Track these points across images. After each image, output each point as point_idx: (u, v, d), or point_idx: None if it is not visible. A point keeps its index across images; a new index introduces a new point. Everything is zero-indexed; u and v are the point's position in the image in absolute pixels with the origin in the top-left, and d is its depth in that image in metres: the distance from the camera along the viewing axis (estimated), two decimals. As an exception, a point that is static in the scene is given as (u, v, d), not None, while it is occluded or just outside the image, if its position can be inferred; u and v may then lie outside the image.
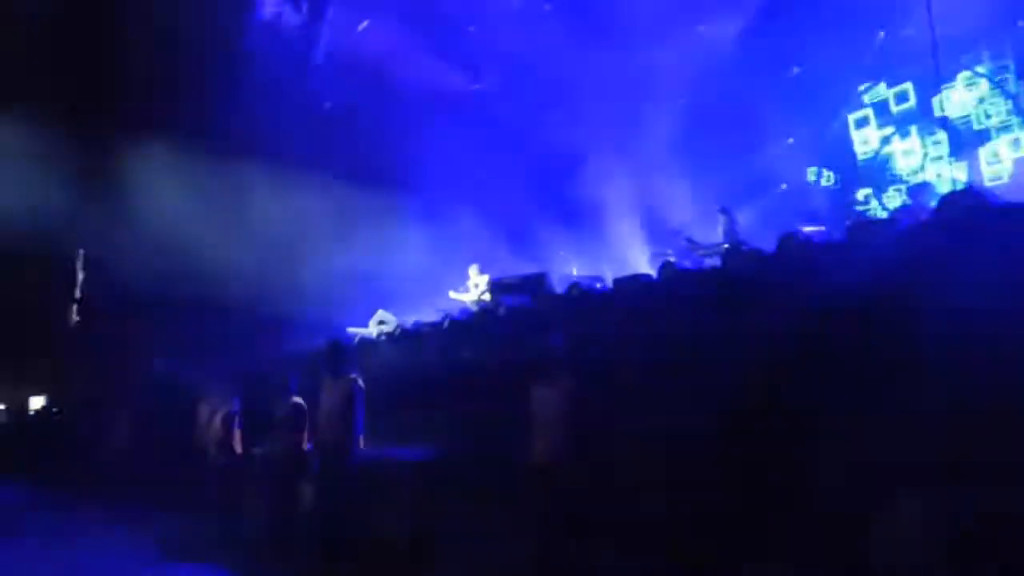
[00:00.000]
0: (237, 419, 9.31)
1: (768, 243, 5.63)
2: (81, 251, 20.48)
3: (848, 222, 6.71)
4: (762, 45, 13.55)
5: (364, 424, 6.87)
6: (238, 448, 9.22)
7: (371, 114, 15.75)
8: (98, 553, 8.16)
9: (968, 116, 11.71)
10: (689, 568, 4.83)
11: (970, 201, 4.42)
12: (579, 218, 15.01)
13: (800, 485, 4.47)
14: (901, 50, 12.24)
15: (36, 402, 22.24)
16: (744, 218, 12.22)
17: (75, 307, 21.28)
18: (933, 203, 5.87)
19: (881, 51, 12.90)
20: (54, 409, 20.60)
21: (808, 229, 7.74)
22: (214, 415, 9.44)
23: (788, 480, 4.56)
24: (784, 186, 14.17)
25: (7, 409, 23.30)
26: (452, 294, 11.59)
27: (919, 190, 10.94)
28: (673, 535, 5.00)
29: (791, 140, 14.36)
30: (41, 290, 21.08)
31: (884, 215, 11.80)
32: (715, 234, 11.50)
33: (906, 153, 12.62)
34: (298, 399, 8.15)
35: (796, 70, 14.22)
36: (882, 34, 12.87)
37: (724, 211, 11.61)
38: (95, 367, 19.01)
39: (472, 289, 11.47)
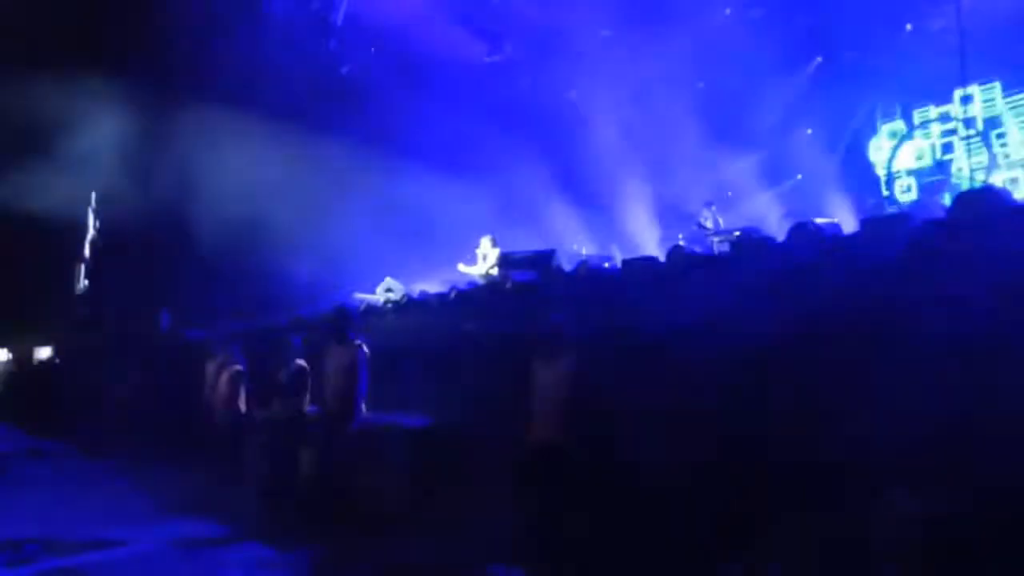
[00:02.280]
0: (243, 379, 9.38)
1: (781, 233, 5.62)
2: (93, 194, 20.52)
3: (862, 216, 6.68)
4: (786, 32, 13.40)
5: (367, 390, 6.92)
6: (243, 408, 9.30)
7: (387, 81, 15.68)
8: (95, 505, 8.27)
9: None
10: (684, 550, 4.87)
11: (986, 200, 4.38)
12: (591, 196, 14.98)
13: (797, 475, 4.50)
14: (929, 44, 12.07)
15: (41, 352, 22.45)
16: (758, 207, 12.20)
17: (82, 267, 21.39)
18: (947, 200, 5.84)
19: (907, 44, 12.72)
20: (58, 359, 20.80)
21: (821, 221, 7.70)
22: (220, 374, 9.52)
23: (786, 468, 4.58)
24: (800, 176, 14.08)
25: (13, 358, 23.54)
26: (461, 267, 11.57)
27: (934, 187, 10.86)
28: (668, 517, 5.03)
29: (809, 131, 14.25)
30: (53, 244, 21.23)
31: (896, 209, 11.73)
32: (718, 224, 11.51)
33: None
34: (301, 362, 8.21)
35: (818, 59, 14.07)
36: (909, 27, 12.70)
37: (708, 205, 11.73)
38: (101, 319, 19.18)
39: (480, 261, 11.45)
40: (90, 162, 17.16)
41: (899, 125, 12.96)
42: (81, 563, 5.83)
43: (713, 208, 11.73)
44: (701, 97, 15.19)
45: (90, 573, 5.58)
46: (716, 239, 10.93)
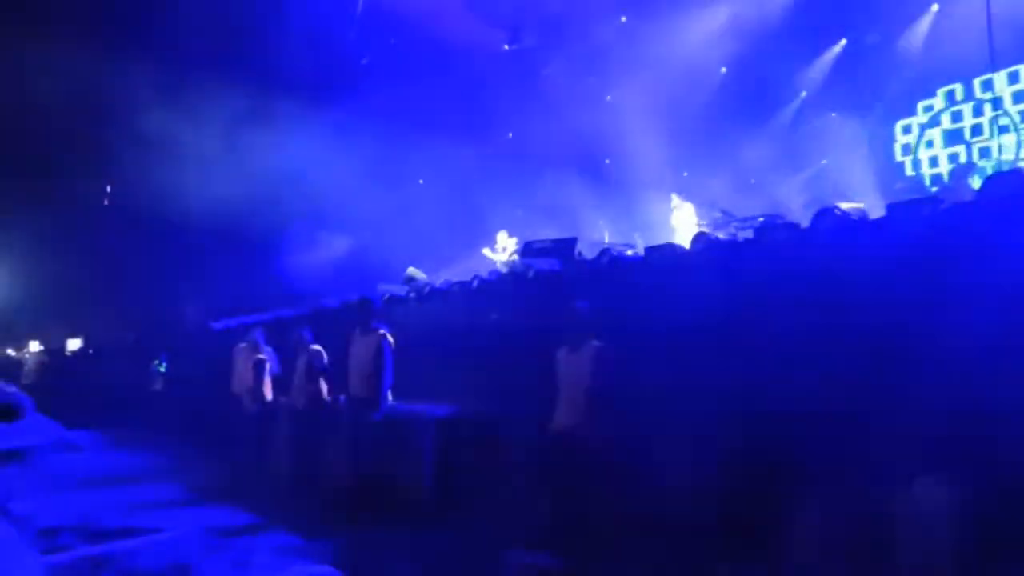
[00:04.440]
0: (267, 368, 9.49)
1: (806, 219, 5.57)
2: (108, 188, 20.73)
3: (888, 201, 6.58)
4: (809, 15, 13.24)
5: (392, 379, 6.97)
6: (268, 396, 9.41)
7: (407, 71, 15.70)
8: (128, 493, 8.39)
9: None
10: (706, 537, 4.87)
11: (1016, 183, 4.31)
12: (613, 185, 14.92)
13: (822, 463, 4.48)
14: (953, 27, 11.87)
15: (73, 344, 22.79)
16: (782, 192, 12.07)
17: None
18: (977, 184, 5.75)
19: (933, 26, 12.51)
20: (89, 351, 21.11)
21: (846, 206, 7.61)
22: (247, 363, 9.64)
23: (811, 456, 4.56)
24: (824, 161, 13.92)
25: (46, 349, 23.91)
26: (487, 251, 11.64)
27: (964, 170, 10.68)
28: (691, 505, 5.03)
29: (834, 114, 14.08)
30: (84, 235, 21.54)
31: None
32: (746, 207, 11.38)
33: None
34: (315, 347, 8.29)
35: (843, 42, 13.89)
36: (935, 7, 12.49)
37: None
38: (131, 312, 19.42)
39: (500, 252, 11.53)
40: (116, 152, 17.35)
41: (937, 103, 12.66)
42: (115, 550, 5.94)
43: (678, 197, 11.65)
44: (724, 82, 15.07)
45: (124, 560, 5.68)
46: (736, 224, 10.82)
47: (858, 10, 12.71)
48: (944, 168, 12.21)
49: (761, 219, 9.69)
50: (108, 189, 21.21)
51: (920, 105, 12.85)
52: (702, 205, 12.11)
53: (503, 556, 5.36)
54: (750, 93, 14.22)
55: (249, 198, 14.79)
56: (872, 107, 13.60)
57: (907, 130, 13.02)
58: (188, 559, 5.62)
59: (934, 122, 12.65)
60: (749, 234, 7.91)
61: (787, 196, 11.92)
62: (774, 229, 5.79)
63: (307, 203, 15.29)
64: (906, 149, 13.08)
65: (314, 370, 8.22)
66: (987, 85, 11.54)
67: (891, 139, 13.33)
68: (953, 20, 11.91)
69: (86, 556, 5.78)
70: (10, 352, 26.20)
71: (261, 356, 9.49)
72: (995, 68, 11.12)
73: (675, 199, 11.51)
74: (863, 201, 9.91)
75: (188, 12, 15.95)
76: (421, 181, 17.16)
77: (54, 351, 22.81)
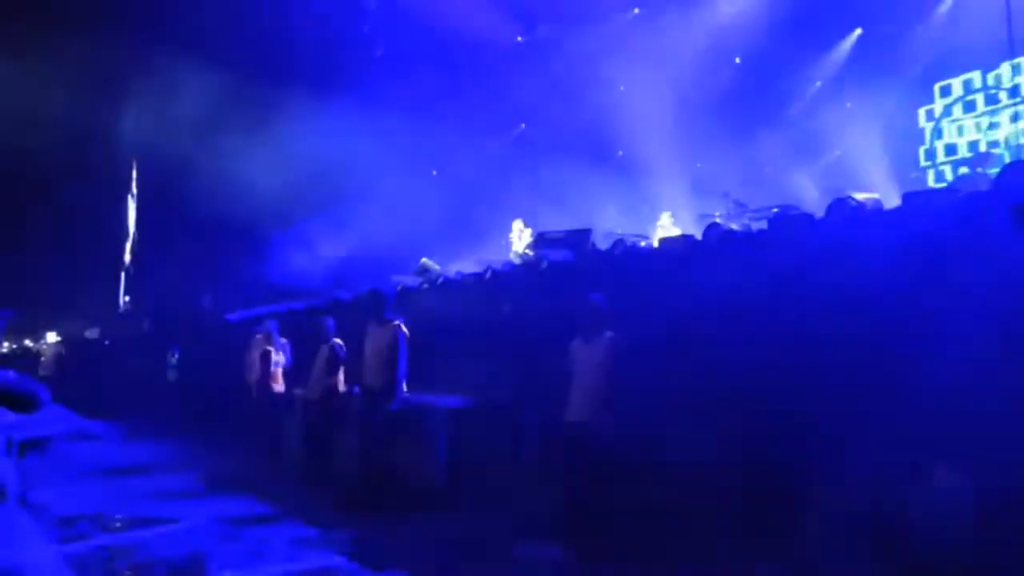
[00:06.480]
0: (275, 359, 9.54)
1: (820, 209, 5.54)
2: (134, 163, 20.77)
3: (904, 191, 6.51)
4: (825, 3, 13.12)
5: (406, 370, 6.98)
6: (277, 387, 9.46)
7: (421, 64, 15.68)
8: (143, 484, 8.47)
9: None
10: (719, 530, 4.87)
11: (1034, 173, 4.26)
12: (626, 176, 14.87)
13: (834, 454, 4.46)
14: (970, 15, 11.71)
15: (90, 334, 22.98)
16: (796, 183, 12.00)
17: (128, 245, 21.73)
18: (994, 173, 5.69)
19: (948, 18, 12.36)
20: (105, 341, 21.29)
21: (861, 196, 7.53)
22: (257, 354, 9.70)
23: (823, 448, 4.54)
24: (838, 152, 13.79)
25: (63, 340, 24.11)
26: (512, 236, 11.63)
27: (981, 159, 10.56)
28: (704, 496, 5.03)
29: (849, 104, 13.94)
30: (99, 227, 21.70)
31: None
32: (759, 198, 11.30)
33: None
34: (336, 340, 8.32)
35: (858, 31, 13.75)
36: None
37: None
38: (147, 302, 19.57)
39: (515, 242, 11.53)
40: (131, 145, 17.47)
41: (954, 91, 12.51)
42: (131, 540, 6.01)
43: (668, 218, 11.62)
44: (738, 72, 14.96)
45: (140, 550, 5.75)
46: (749, 215, 10.76)
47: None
48: (960, 157, 12.07)
49: (775, 210, 9.62)
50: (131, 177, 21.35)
51: (936, 87, 12.70)
52: (716, 196, 12.04)
53: (516, 547, 5.37)
54: (764, 83, 14.11)
55: (263, 189, 14.84)
56: (887, 97, 13.45)
57: (930, 116, 12.88)
58: (203, 549, 5.67)
59: (949, 111, 12.51)
60: (763, 225, 7.87)
61: (801, 187, 11.83)
62: (788, 220, 5.76)
63: (320, 194, 15.32)
64: (922, 138, 12.94)
65: (333, 362, 8.25)
66: (1016, 70, 11.37)
67: (907, 129, 13.18)
68: (970, 8, 11.76)
69: (103, 545, 5.85)
70: (28, 343, 26.46)
71: (269, 348, 9.53)
72: (1013, 56, 10.96)
73: (665, 218, 11.42)
74: (878, 191, 9.84)
75: (201, 7, 16.01)
76: (434, 172, 17.16)
77: (71, 342, 23.00)
